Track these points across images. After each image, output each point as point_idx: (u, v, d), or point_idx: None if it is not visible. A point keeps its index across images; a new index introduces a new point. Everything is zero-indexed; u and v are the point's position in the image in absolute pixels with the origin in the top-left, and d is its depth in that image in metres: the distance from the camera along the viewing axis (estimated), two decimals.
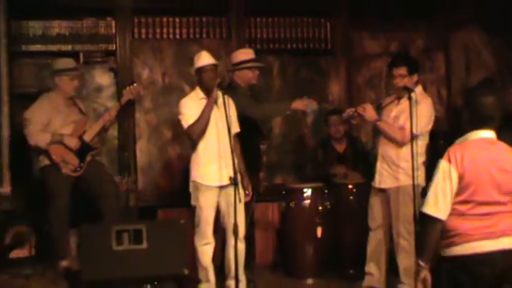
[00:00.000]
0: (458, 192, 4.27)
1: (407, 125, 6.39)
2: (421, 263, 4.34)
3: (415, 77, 6.71)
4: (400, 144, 6.61)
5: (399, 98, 6.68)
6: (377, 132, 6.82)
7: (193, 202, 6.69)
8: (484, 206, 4.32)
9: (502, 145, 4.46)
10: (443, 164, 4.35)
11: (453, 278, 4.32)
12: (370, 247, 6.82)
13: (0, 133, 7.79)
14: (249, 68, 7.31)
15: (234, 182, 6.15)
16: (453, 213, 4.28)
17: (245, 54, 7.47)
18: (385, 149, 6.68)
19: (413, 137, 6.32)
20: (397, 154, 6.59)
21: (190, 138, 6.65)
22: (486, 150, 4.41)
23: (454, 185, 4.28)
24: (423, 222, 4.41)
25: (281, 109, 7.52)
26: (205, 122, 6.52)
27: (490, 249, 4.25)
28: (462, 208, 4.29)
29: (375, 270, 6.82)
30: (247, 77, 7.28)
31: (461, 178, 4.28)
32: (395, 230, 6.66)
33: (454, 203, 4.27)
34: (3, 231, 7.50)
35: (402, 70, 6.62)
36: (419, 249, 4.54)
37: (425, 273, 4.32)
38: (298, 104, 7.14)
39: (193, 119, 6.54)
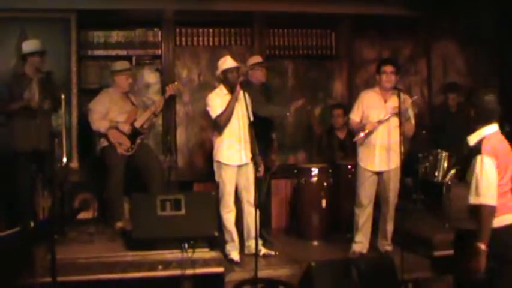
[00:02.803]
0: None
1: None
2: (483, 247, 4.30)
3: (397, 78, 6.82)
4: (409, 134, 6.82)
5: (385, 101, 6.76)
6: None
7: (217, 178, 6.77)
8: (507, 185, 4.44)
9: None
10: (486, 159, 4.35)
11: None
12: (361, 220, 6.85)
13: (70, 120, 7.89)
14: (260, 67, 7.53)
15: (254, 161, 6.32)
16: None
17: (256, 58, 7.68)
18: (383, 139, 6.74)
19: (402, 128, 6.49)
20: (390, 143, 6.69)
21: (218, 125, 6.69)
22: (503, 141, 4.54)
23: (496, 174, 4.35)
24: (482, 212, 4.32)
25: (282, 111, 7.65)
26: (230, 112, 6.59)
27: None
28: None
29: (363, 238, 6.90)
30: (258, 75, 7.48)
31: (497, 166, 4.35)
32: (388, 203, 6.78)
33: None
34: (72, 198, 7.65)
35: (391, 68, 6.70)
36: (480, 235, 4.31)
37: (485, 256, 4.31)
38: (295, 107, 7.41)
39: (219, 110, 6.61)
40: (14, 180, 6.98)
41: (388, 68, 6.72)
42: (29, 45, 7.14)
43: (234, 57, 6.94)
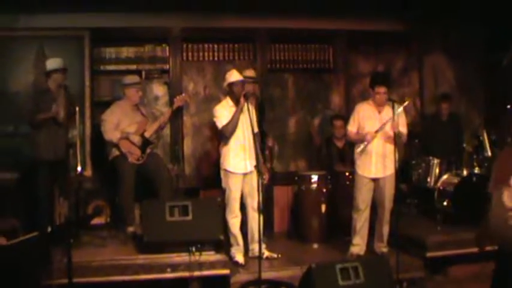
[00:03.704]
0: None
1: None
2: None
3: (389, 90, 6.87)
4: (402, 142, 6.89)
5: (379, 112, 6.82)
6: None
7: (223, 185, 6.77)
8: None
9: None
10: None
11: None
12: (359, 223, 6.87)
13: (83, 130, 7.94)
14: (251, 81, 7.55)
15: (258, 169, 6.27)
16: None
17: (248, 72, 7.66)
18: (378, 148, 6.78)
19: (396, 137, 6.58)
20: (386, 151, 6.73)
21: (224, 135, 6.69)
22: None
23: None
24: None
25: None
26: (235, 123, 6.60)
27: None
28: None
29: (360, 241, 6.91)
30: (248, 89, 7.19)
31: None
32: (384, 207, 6.81)
33: None
34: (86, 204, 7.69)
35: (383, 89, 6.74)
36: None
37: None
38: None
39: (225, 121, 6.62)
40: (34, 188, 7.03)
41: (381, 89, 6.76)
42: (53, 63, 7.19)
43: (239, 71, 6.96)
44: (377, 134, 6.73)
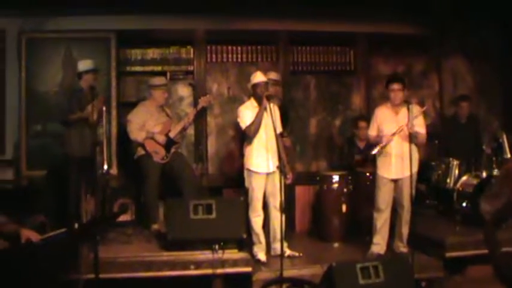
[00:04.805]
0: None
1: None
2: None
3: (406, 92, 6.87)
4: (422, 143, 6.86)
5: (397, 114, 6.81)
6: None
7: (246, 185, 6.75)
8: None
9: None
10: None
11: None
12: (379, 223, 6.85)
13: (110, 130, 7.99)
14: (274, 84, 7.51)
15: (280, 169, 6.30)
16: None
17: (271, 75, 7.61)
18: (397, 149, 6.77)
19: (411, 137, 6.55)
20: (405, 152, 6.68)
21: (247, 135, 6.68)
22: None
23: None
24: None
25: None
26: (258, 123, 6.58)
27: None
28: None
29: (381, 240, 6.89)
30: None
31: None
32: (404, 208, 6.79)
33: None
34: (112, 202, 7.75)
35: (397, 85, 6.76)
36: None
37: None
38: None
39: (249, 122, 6.62)
40: (64, 185, 7.11)
41: (395, 86, 6.78)
42: (84, 64, 7.31)
43: (263, 73, 6.95)
44: (393, 137, 6.73)
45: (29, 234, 5.35)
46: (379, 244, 6.91)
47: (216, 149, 8.70)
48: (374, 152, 6.86)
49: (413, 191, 6.66)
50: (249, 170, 6.74)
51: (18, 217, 5.68)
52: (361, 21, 8.88)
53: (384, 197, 6.87)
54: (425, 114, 7.03)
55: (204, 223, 6.37)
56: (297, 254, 6.87)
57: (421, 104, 8.30)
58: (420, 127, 6.78)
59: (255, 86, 6.74)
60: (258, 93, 6.69)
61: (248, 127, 6.65)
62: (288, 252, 6.79)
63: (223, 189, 8.34)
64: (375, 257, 6.71)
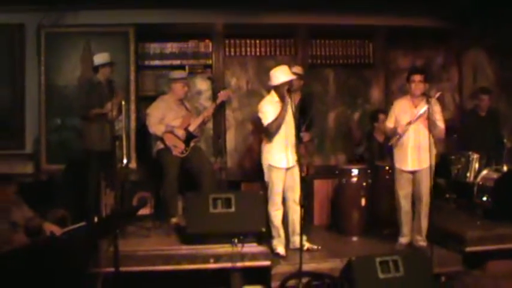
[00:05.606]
0: None
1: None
2: None
3: (427, 85, 6.85)
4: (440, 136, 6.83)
5: (415, 107, 6.78)
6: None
7: (266, 179, 6.72)
8: None
9: None
10: None
11: None
12: (402, 215, 6.89)
13: (129, 124, 7.98)
14: (298, 78, 7.39)
15: (299, 164, 6.29)
16: None
17: (297, 69, 7.54)
18: (414, 141, 6.76)
19: (431, 126, 6.50)
20: (421, 144, 6.69)
21: (269, 131, 6.62)
22: None
23: None
24: None
25: None
26: (281, 121, 6.52)
27: None
28: None
29: (408, 232, 6.92)
30: (295, 84, 7.16)
31: None
32: (422, 200, 6.75)
33: None
34: (132, 196, 7.73)
35: (419, 77, 6.74)
36: None
37: None
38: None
39: (271, 118, 6.55)
40: (83, 178, 7.16)
41: (417, 77, 6.76)
42: (100, 58, 7.35)
43: (289, 69, 6.86)
44: (409, 126, 6.72)
45: (52, 228, 5.42)
46: (407, 236, 6.94)
47: (235, 143, 8.70)
48: (391, 142, 6.89)
49: (430, 184, 6.63)
50: (269, 164, 6.71)
51: (38, 211, 5.74)
52: (380, 14, 8.82)
53: (403, 190, 6.88)
54: (441, 105, 6.95)
55: (223, 217, 6.38)
56: (315, 247, 6.86)
57: (441, 96, 8.22)
58: (439, 121, 6.74)
59: (281, 83, 6.61)
60: (280, 90, 6.59)
61: (270, 124, 6.59)
62: (307, 245, 6.77)
63: (242, 183, 8.35)
64: (403, 248, 6.79)
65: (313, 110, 7.71)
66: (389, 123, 7.00)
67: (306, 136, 7.49)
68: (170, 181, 7.45)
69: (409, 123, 6.72)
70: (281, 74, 6.62)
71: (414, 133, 6.77)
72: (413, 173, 6.82)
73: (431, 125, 6.50)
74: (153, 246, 6.41)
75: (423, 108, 6.63)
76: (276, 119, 6.55)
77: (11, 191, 5.51)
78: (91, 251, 5.72)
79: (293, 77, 6.73)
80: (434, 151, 6.64)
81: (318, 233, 7.64)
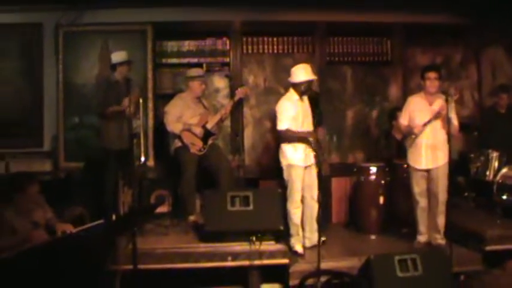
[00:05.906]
0: None
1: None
2: None
3: (441, 82, 6.81)
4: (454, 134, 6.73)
5: (430, 104, 6.75)
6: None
7: (286, 177, 6.72)
8: None
9: None
10: None
11: None
12: (419, 213, 6.87)
13: (146, 122, 7.98)
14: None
15: (317, 161, 6.31)
16: None
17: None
18: (428, 140, 6.74)
19: (448, 124, 6.43)
20: (436, 142, 6.68)
21: (282, 137, 6.70)
22: None
23: None
24: None
25: None
26: (295, 138, 6.60)
27: None
28: None
29: (425, 230, 6.89)
30: None
31: None
32: (438, 198, 6.71)
33: None
34: (149, 194, 7.80)
35: (434, 74, 6.72)
36: None
37: None
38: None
39: (288, 121, 6.55)
40: (101, 176, 7.20)
41: (432, 75, 6.73)
42: (118, 56, 7.39)
43: (312, 68, 6.87)
44: (425, 127, 6.69)
45: (64, 227, 5.45)
46: (425, 234, 6.90)
47: (253, 141, 8.67)
48: (408, 143, 6.90)
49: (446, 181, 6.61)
50: (288, 163, 6.70)
51: (56, 209, 5.77)
52: (398, 11, 8.76)
53: (419, 187, 6.86)
54: (456, 104, 6.90)
55: (241, 215, 6.40)
56: (323, 238, 6.71)
57: (460, 94, 8.16)
58: (454, 119, 6.70)
59: (301, 82, 6.65)
60: (301, 89, 6.64)
61: (285, 133, 6.60)
62: (322, 238, 6.72)
63: (260, 180, 8.34)
64: (421, 246, 6.76)
65: (320, 107, 7.64)
66: (404, 121, 6.96)
67: (320, 133, 7.47)
68: (188, 179, 7.44)
69: (426, 123, 6.69)
70: (302, 73, 6.64)
71: (428, 132, 6.75)
72: (428, 170, 6.80)
73: (448, 123, 6.45)
74: (171, 244, 6.45)
75: (439, 105, 6.58)
76: (293, 134, 6.57)
77: (34, 190, 5.53)
78: (109, 248, 5.74)
79: (314, 77, 6.73)
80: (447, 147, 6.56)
81: (336, 231, 7.66)
